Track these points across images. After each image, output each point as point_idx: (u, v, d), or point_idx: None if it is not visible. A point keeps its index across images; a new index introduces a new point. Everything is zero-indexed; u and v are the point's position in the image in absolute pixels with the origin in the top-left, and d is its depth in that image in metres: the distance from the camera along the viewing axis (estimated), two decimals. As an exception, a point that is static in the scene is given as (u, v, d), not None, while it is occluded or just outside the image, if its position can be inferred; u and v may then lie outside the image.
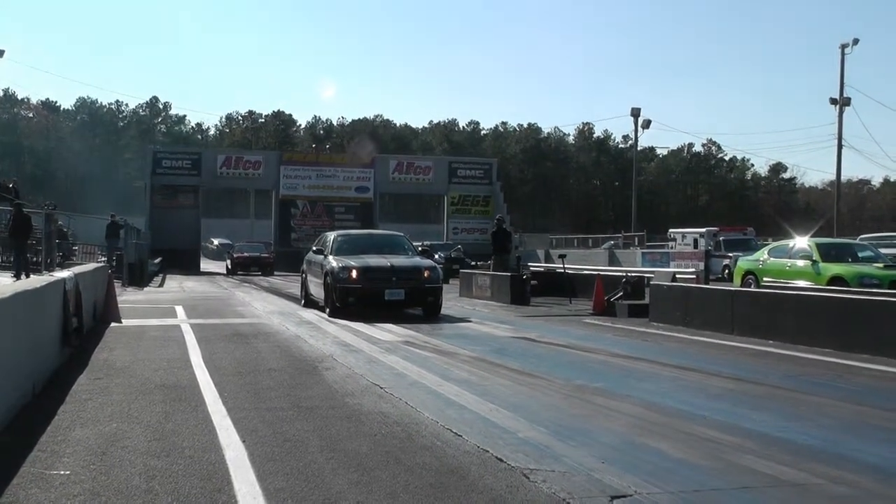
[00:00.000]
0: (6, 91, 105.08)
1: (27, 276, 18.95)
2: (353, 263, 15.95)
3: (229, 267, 41.72)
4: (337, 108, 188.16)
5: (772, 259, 19.19)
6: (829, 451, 5.72)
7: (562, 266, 23.09)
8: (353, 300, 15.69)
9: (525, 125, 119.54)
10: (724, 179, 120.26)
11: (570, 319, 16.18)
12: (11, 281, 17.05)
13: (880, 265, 17.26)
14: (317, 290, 17.25)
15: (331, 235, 18.17)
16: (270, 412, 6.82)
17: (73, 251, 31.62)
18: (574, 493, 4.66)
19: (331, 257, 16.51)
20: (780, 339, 11.84)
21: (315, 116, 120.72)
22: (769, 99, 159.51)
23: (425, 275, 16.04)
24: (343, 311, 15.55)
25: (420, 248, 18.82)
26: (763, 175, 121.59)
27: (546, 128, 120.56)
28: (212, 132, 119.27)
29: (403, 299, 15.88)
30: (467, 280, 23.34)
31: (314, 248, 18.26)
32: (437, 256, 27.46)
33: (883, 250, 20.58)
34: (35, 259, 24.36)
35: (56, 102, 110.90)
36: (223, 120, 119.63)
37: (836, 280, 16.57)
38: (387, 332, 13.24)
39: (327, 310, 16.04)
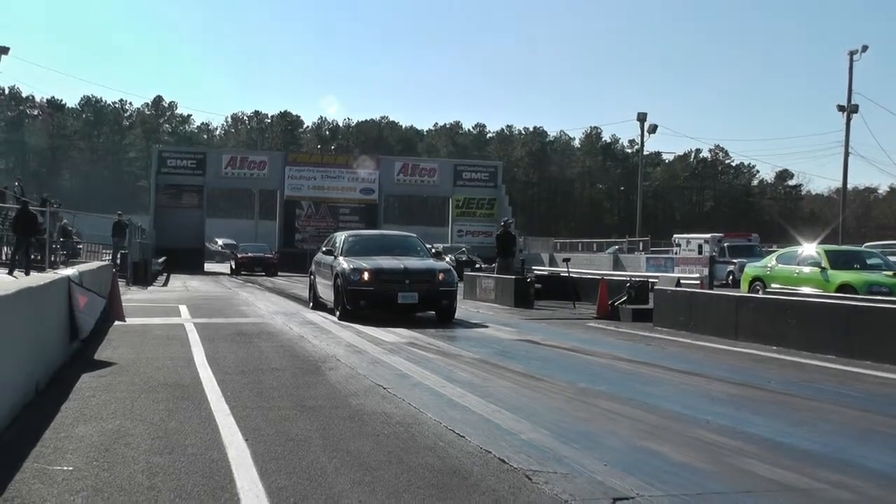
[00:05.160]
0: (11, 89, 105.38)
1: (27, 273, 18.96)
2: (364, 265, 15.42)
3: (233, 267, 41.79)
4: (341, 110, 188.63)
5: (780, 265, 19.17)
6: (832, 457, 5.70)
7: (566, 270, 23.09)
8: (365, 303, 15.19)
9: (531, 128, 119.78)
10: (729, 185, 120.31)
11: (573, 323, 16.16)
12: (10, 278, 17.07)
13: (889, 273, 17.20)
14: (326, 292, 16.79)
15: (341, 236, 17.68)
16: (273, 411, 6.82)
17: (79, 250, 31.66)
18: (576, 496, 4.65)
19: (341, 258, 16.06)
20: (783, 345, 11.82)
21: (321, 117, 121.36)
22: (776, 105, 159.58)
23: (440, 277, 15.54)
24: (353, 314, 15.17)
25: (433, 251, 18.58)
26: (769, 182, 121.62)
27: (552, 131, 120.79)
28: (217, 132, 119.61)
29: (417, 303, 15.35)
30: (471, 282, 23.33)
31: (323, 249, 17.76)
32: (447, 259, 27.41)
33: (890, 258, 20.52)
34: (38, 257, 24.41)
35: (61, 101, 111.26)
36: (229, 120, 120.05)
37: (844, 287, 16.53)
38: (391, 333, 13.22)
39: (337, 313, 15.63)
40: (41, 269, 20.52)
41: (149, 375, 8.55)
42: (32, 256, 24.16)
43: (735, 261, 31.07)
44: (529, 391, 8.21)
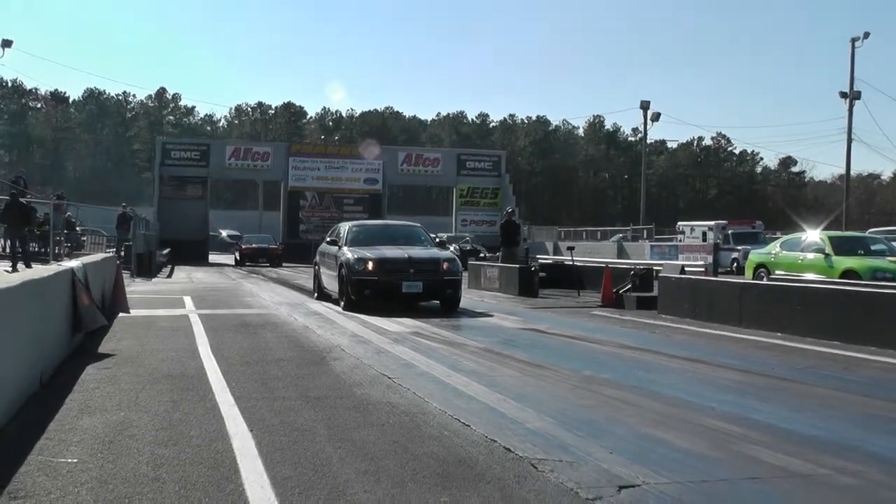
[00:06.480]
0: (14, 82, 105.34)
1: (29, 266, 18.95)
2: (369, 255, 15.44)
3: (237, 258, 41.82)
4: (346, 99, 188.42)
5: (784, 252, 19.13)
6: (835, 443, 5.70)
7: (570, 258, 23.08)
8: (369, 293, 15.21)
9: (534, 117, 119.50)
10: (733, 173, 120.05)
11: (578, 311, 16.15)
12: (9, 271, 17.06)
13: (893, 259, 17.15)
14: (330, 282, 16.81)
15: (345, 226, 17.68)
16: (278, 402, 6.83)
17: (83, 242, 31.71)
18: (582, 483, 4.65)
19: (345, 248, 16.09)
20: (788, 331, 11.80)
21: (325, 108, 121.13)
22: (779, 92, 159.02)
23: (444, 267, 15.57)
24: (358, 304, 15.17)
25: (437, 240, 18.57)
26: (772, 169, 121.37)
27: (555, 120, 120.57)
28: (221, 123, 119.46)
29: (421, 292, 15.37)
30: (476, 272, 23.32)
31: (328, 239, 17.79)
32: (451, 248, 27.38)
33: (894, 244, 20.47)
34: (43, 249, 24.42)
35: (64, 93, 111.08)
36: (232, 111, 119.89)
37: (848, 273, 16.49)
38: (395, 323, 13.23)
39: (341, 303, 15.64)
40: (45, 262, 20.51)
41: (153, 367, 8.56)
42: (36, 249, 24.18)
43: (739, 248, 31.02)
44: (534, 380, 8.22)
